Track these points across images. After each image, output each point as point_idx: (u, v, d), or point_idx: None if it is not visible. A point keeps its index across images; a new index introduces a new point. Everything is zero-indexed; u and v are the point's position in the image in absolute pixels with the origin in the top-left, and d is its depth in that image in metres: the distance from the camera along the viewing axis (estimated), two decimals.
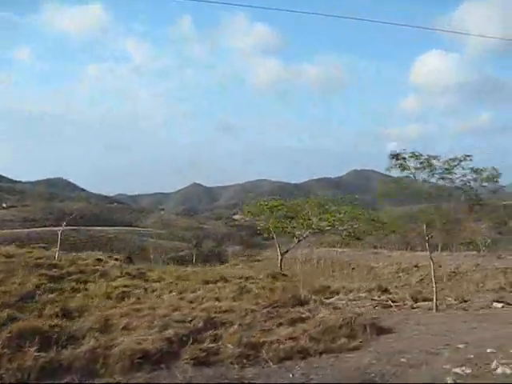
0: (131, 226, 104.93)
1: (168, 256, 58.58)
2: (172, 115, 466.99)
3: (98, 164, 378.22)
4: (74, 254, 18.19)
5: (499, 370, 5.43)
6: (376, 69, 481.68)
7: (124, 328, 6.75)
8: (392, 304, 11.62)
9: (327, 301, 11.45)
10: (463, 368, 5.52)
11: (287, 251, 26.25)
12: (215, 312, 8.07)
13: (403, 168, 11.15)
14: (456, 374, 5.37)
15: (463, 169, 10.93)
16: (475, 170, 10.97)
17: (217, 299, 9.66)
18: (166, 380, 5.23)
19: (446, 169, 10.96)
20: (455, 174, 11.01)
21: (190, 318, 7.32)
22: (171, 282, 12.20)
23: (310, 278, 19.13)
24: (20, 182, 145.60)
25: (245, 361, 5.85)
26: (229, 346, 6.20)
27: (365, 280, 26.19)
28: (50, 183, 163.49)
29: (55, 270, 12.17)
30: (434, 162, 10.98)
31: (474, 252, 41.03)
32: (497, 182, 11.36)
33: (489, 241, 46.87)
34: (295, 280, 15.42)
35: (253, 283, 13.10)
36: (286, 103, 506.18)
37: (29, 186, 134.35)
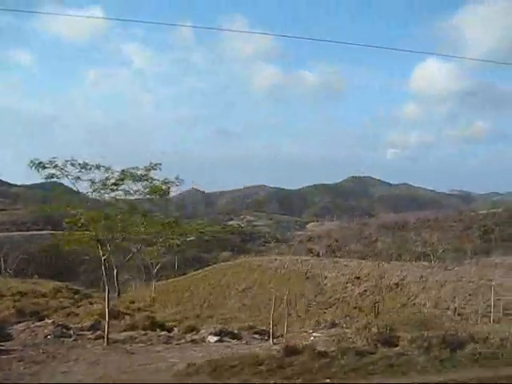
0: None
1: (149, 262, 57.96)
2: (169, 120, 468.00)
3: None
4: None
5: None
6: (375, 76, 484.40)
7: None
8: None
9: None
10: None
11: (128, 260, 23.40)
12: None
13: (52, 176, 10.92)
14: None
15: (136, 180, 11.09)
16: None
17: None
18: None
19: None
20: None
21: None
22: None
23: None
24: (16, 185, 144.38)
25: None
26: None
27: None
28: (46, 187, 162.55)
29: None
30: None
31: (426, 263, 41.30)
32: (166, 194, 11.67)
33: (440, 251, 47.73)
34: None
35: None
36: (285, 109, 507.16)
37: (23, 190, 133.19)
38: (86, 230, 11.33)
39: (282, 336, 11.94)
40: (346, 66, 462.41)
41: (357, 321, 15.77)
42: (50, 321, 12.38)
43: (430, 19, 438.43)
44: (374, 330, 9.33)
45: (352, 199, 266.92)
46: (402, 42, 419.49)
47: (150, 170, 11.10)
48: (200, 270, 53.34)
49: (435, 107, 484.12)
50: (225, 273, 45.61)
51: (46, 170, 10.64)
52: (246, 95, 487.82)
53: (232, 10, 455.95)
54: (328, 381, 7.01)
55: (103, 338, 10.53)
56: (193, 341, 10.97)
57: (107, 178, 10.95)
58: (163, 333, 11.80)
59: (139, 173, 11.07)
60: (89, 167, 10.67)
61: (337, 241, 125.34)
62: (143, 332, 11.51)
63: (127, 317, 15.80)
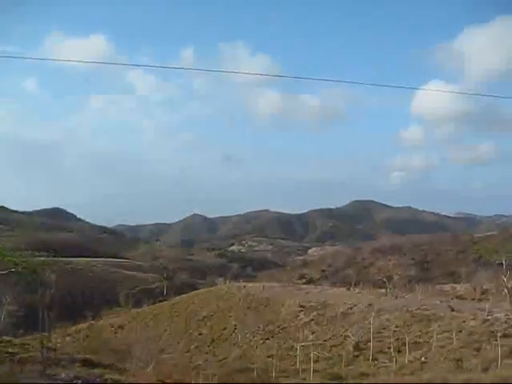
0: (115, 257, 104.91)
1: (138, 288, 58.34)
2: (173, 147, 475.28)
3: (99, 194, 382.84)
4: None
5: None
6: (377, 99, 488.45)
7: None
8: None
9: None
10: None
11: None
12: None
13: None
14: None
15: None
16: None
17: None
18: None
19: None
20: None
21: None
22: None
23: None
24: (17, 211, 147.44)
25: None
26: None
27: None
28: (47, 213, 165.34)
29: None
30: None
31: (382, 290, 42.67)
32: None
33: (395, 278, 48.67)
34: None
35: None
36: (287, 134, 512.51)
37: (23, 217, 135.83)
38: None
39: None
40: (349, 90, 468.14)
41: None
42: None
43: (431, 42, 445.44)
44: None
45: (355, 223, 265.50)
46: (407, 62, 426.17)
47: None
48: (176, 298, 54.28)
49: (438, 129, 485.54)
50: (192, 301, 46.47)
51: None
52: (248, 120, 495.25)
53: (235, 37, 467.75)
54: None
55: None
56: None
57: None
58: None
59: None
60: None
61: (330, 266, 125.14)
62: None
63: None
